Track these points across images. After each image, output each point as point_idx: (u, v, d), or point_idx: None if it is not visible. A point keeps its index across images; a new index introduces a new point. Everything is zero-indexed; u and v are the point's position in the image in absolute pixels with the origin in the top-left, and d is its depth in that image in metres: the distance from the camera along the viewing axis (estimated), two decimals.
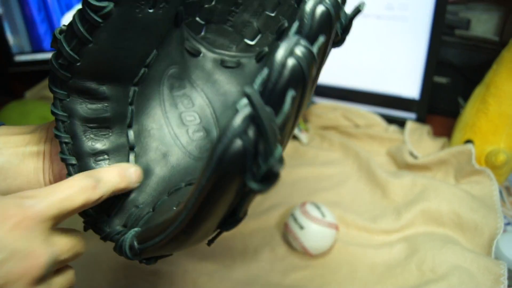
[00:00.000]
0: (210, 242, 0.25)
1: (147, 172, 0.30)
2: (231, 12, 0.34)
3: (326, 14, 0.20)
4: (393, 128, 0.65)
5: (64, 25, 0.26)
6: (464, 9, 0.65)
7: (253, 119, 0.16)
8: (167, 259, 0.28)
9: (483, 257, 0.43)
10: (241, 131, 0.16)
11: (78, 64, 0.25)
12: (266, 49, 0.33)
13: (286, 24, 0.32)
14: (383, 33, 0.63)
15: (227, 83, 0.34)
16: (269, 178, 0.17)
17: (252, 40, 0.34)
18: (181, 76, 0.33)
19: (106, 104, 0.28)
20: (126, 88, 0.29)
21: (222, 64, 0.35)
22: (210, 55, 0.34)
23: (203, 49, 0.34)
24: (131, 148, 0.30)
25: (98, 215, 0.27)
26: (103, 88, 0.27)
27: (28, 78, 0.77)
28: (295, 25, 0.20)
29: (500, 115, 0.53)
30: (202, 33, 0.34)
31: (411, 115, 0.66)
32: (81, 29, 0.25)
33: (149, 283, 0.43)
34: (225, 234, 0.25)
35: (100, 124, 0.28)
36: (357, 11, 0.24)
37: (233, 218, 0.22)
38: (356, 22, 0.28)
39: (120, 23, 0.26)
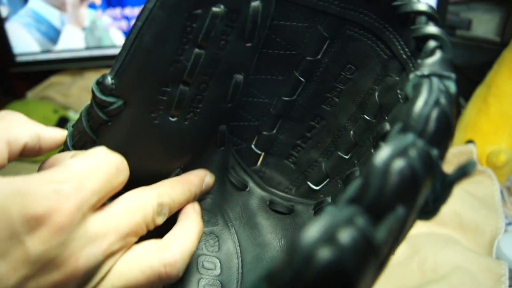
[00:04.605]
0: None
1: None
2: (296, 146, 0.28)
3: (445, 120, 0.14)
4: None
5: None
6: (465, 10, 0.65)
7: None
8: None
9: (484, 257, 0.43)
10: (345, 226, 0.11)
11: None
12: (329, 199, 0.25)
13: (357, 173, 0.24)
14: None
15: (269, 232, 0.27)
16: None
17: (317, 185, 0.27)
18: (214, 208, 0.27)
19: None
20: None
21: (271, 206, 0.28)
22: (258, 192, 0.28)
23: (251, 183, 0.28)
24: None
25: None
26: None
27: (30, 78, 0.77)
28: (397, 127, 0.14)
29: (501, 115, 0.53)
30: (257, 166, 0.29)
31: None
32: (84, 124, 0.22)
33: None
34: None
35: None
36: (463, 173, 0.14)
37: None
38: None
39: (131, 125, 0.22)
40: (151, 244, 0.21)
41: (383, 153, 0.12)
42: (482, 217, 0.46)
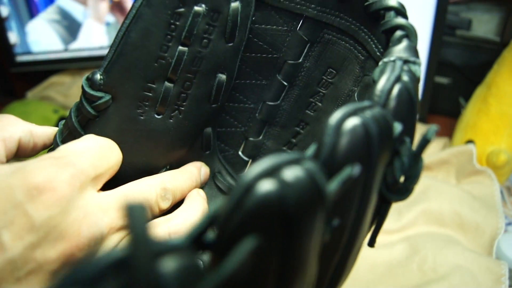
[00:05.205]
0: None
1: None
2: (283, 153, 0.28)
3: (407, 95, 0.14)
4: None
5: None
6: (465, 10, 0.65)
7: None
8: None
9: (484, 257, 0.43)
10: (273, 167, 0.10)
11: None
12: None
13: None
14: None
15: None
16: None
17: None
18: None
19: None
20: None
21: None
22: None
23: None
24: None
25: None
26: None
27: (30, 78, 0.77)
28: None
29: (501, 115, 0.53)
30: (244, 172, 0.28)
31: None
32: (73, 120, 0.22)
33: None
34: None
35: None
36: (426, 141, 0.14)
37: None
38: None
39: (118, 121, 0.22)
40: (156, 220, 0.22)
41: (337, 113, 0.12)
42: (482, 217, 0.46)
